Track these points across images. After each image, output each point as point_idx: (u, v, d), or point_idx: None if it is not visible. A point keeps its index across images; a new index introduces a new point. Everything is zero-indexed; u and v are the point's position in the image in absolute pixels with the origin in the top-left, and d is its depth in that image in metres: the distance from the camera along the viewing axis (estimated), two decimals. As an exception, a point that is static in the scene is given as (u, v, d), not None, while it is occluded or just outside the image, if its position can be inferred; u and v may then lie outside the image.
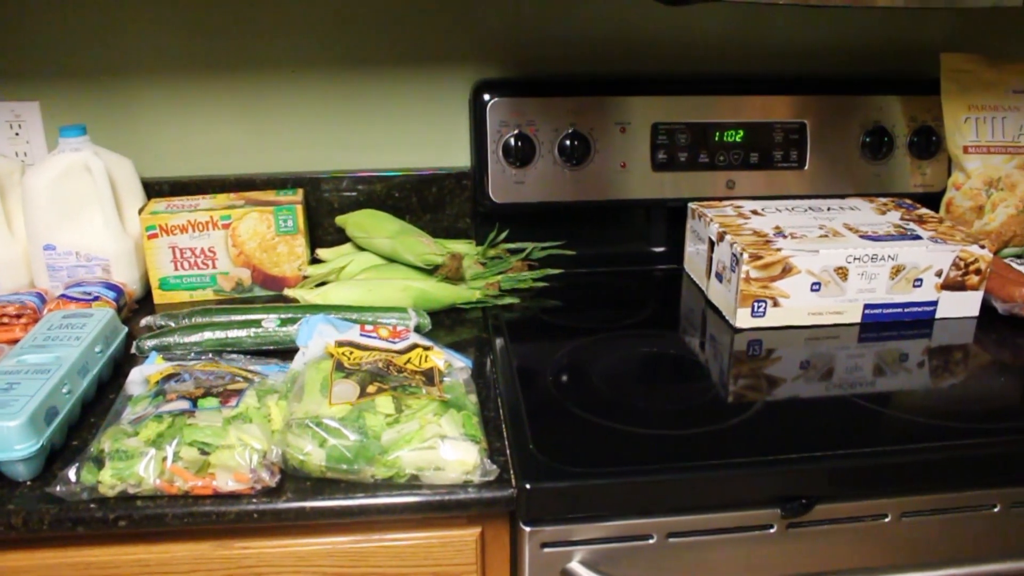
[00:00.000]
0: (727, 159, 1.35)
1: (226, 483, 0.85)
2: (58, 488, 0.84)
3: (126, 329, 1.12)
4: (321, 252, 1.34)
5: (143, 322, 1.16)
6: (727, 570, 0.92)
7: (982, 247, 1.18)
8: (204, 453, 0.86)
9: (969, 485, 0.95)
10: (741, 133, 1.34)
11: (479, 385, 1.03)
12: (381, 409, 0.89)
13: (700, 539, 0.91)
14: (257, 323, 1.12)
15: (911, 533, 0.95)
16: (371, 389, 0.91)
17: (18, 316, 1.13)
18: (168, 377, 0.97)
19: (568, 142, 1.30)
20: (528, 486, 0.85)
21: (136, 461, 0.85)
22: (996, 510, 0.96)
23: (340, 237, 1.36)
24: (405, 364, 0.99)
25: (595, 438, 0.94)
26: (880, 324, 1.20)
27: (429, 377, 0.97)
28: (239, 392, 0.93)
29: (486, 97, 1.29)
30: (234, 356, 1.09)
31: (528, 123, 1.29)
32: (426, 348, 1.03)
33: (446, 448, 0.87)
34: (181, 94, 1.34)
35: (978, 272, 1.19)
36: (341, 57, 1.34)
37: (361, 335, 1.03)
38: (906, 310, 1.20)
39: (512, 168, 1.30)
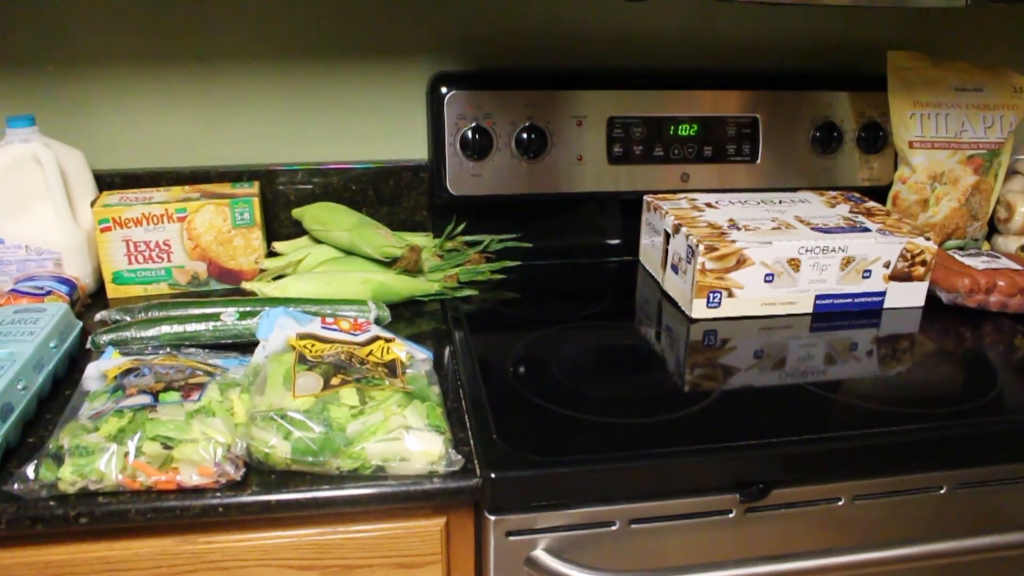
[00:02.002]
0: (681, 152, 1.37)
1: (190, 477, 0.85)
2: (16, 486, 0.83)
3: (80, 324, 1.10)
4: (278, 245, 1.33)
5: (98, 316, 1.15)
6: (688, 555, 0.94)
7: (927, 239, 1.22)
8: (167, 447, 0.85)
9: (917, 468, 0.98)
10: (695, 127, 1.37)
11: (440, 377, 1.03)
12: (345, 401, 0.90)
13: (661, 525, 0.93)
14: (216, 316, 1.11)
15: (863, 515, 0.98)
16: (335, 381, 0.91)
17: (-33, 311, 1.10)
18: (127, 372, 0.96)
19: (525, 135, 1.31)
20: (493, 475, 0.86)
21: (97, 457, 0.84)
22: (942, 492, 1.00)
23: (297, 230, 1.36)
24: (367, 356, 0.99)
25: (557, 427, 0.95)
26: (831, 314, 1.23)
27: (391, 369, 0.97)
28: (201, 386, 0.92)
29: (443, 90, 1.29)
30: (193, 350, 1.08)
31: (485, 116, 1.30)
32: (388, 340, 1.03)
33: (411, 439, 0.87)
34: (133, 85, 1.32)
35: (924, 263, 1.23)
36: (297, 49, 1.33)
37: (322, 328, 1.03)
38: (856, 300, 1.24)
39: (469, 161, 1.30)
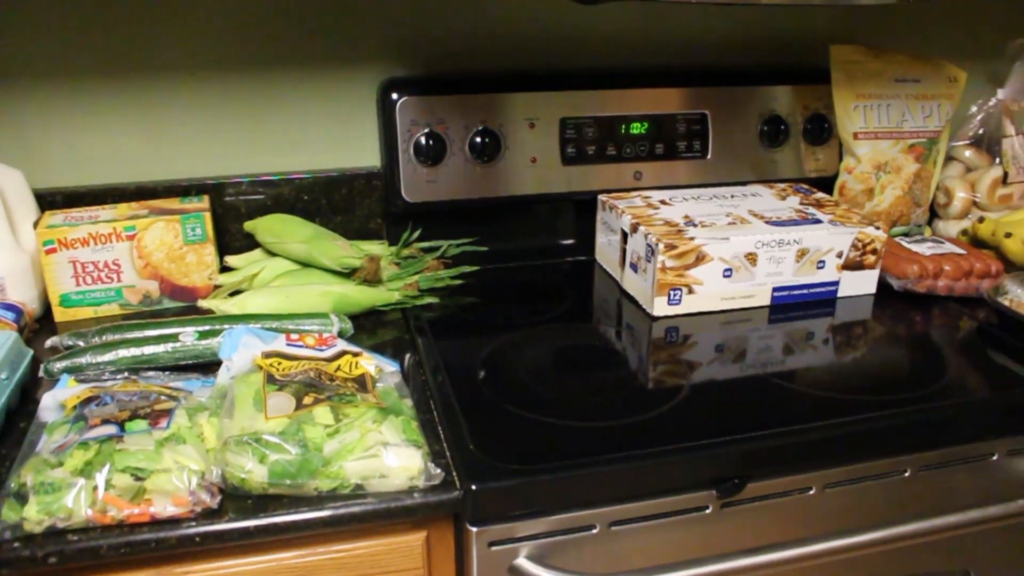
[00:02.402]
0: (633, 151, 1.38)
1: (164, 508, 0.82)
2: (-22, 528, 0.80)
3: (31, 352, 1.06)
4: (230, 259, 1.30)
5: (48, 343, 1.11)
6: (667, 553, 0.95)
7: (877, 228, 1.25)
8: (138, 479, 0.82)
9: (882, 454, 1.01)
10: (646, 125, 1.37)
11: (410, 388, 1.02)
12: (320, 420, 0.88)
13: (641, 525, 0.93)
14: (174, 337, 1.08)
15: (834, 503, 1.01)
16: (307, 400, 0.90)
17: (-91, 344, 1.05)
18: (87, 401, 0.93)
19: (479, 139, 1.30)
20: (474, 487, 0.86)
21: (64, 493, 0.81)
22: (907, 475, 1.02)
23: (249, 243, 1.33)
24: (335, 372, 0.98)
25: (532, 434, 0.95)
26: (788, 305, 1.25)
27: (362, 384, 0.96)
28: (168, 412, 0.90)
29: (394, 96, 1.27)
30: (152, 373, 1.05)
31: (438, 121, 1.29)
32: (355, 354, 1.02)
33: (389, 455, 0.87)
34: (72, 99, 1.27)
35: (874, 252, 1.26)
36: (243, 58, 1.30)
37: (288, 345, 1.01)
38: (811, 291, 1.26)
39: (424, 167, 1.29)
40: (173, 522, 0.82)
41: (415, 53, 1.35)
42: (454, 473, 0.89)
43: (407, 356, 1.11)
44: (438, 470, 0.87)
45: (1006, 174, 1.43)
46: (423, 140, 1.28)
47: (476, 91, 1.30)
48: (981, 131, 1.49)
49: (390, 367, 1.02)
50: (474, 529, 0.88)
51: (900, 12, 1.53)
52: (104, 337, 1.09)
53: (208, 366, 1.08)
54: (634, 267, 1.25)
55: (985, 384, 1.07)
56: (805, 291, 1.26)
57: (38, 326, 1.19)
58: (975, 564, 1.12)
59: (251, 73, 1.31)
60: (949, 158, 1.50)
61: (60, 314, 1.21)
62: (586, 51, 1.42)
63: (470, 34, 1.36)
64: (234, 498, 0.85)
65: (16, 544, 0.79)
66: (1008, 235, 1.32)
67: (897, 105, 1.41)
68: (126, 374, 1.05)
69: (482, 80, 1.32)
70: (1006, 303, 1.18)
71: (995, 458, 1.06)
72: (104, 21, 1.24)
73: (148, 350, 1.07)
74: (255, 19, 1.29)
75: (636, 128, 1.37)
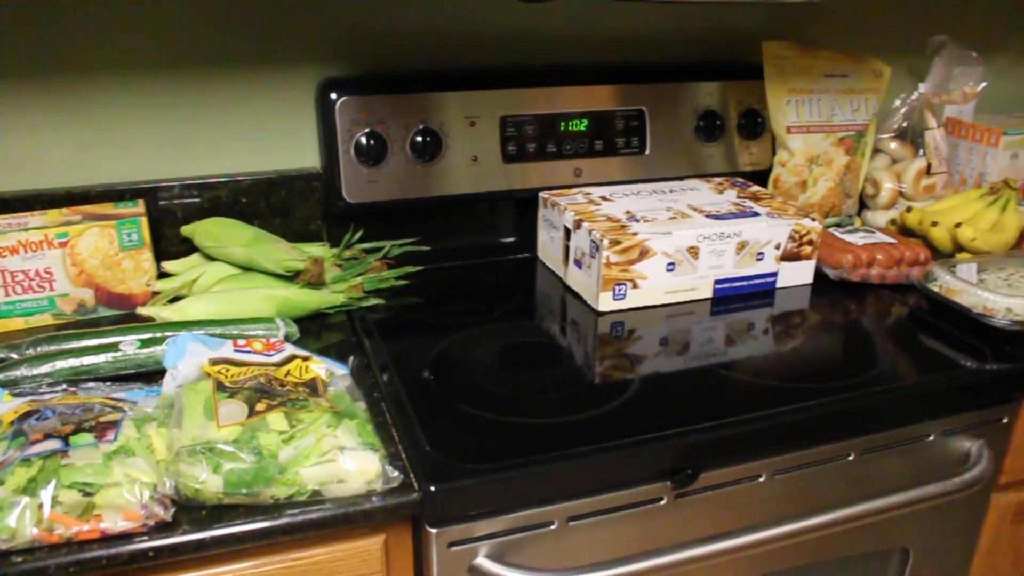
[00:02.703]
0: (573, 148, 1.38)
1: (115, 523, 0.80)
2: (-86, 554, 0.76)
3: (-38, 366, 1.02)
4: (168, 265, 1.27)
5: (-22, 356, 1.07)
6: (625, 545, 0.96)
7: (813, 219, 1.28)
8: (87, 494, 0.80)
9: (828, 439, 1.04)
10: (585, 122, 1.38)
11: (360, 391, 1.01)
12: (274, 427, 0.87)
13: (598, 519, 0.94)
14: (114, 347, 1.05)
15: (783, 489, 1.03)
16: (260, 407, 0.88)
17: None
18: (25, 415, 0.89)
19: (420, 138, 1.29)
20: (433, 488, 0.86)
21: (6, 513, 0.78)
22: (851, 458, 1.06)
23: (186, 248, 1.29)
24: (286, 377, 0.96)
25: (487, 433, 0.95)
26: (729, 297, 1.28)
27: (313, 388, 0.95)
28: (115, 424, 0.87)
29: (333, 96, 1.26)
30: (92, 384, 1.02)
31: (378, 121, 1.27)
32: (304, 358, 1.00)
33: (346, 459, 0.86)
34: (-6, 103, 1.23)
35: (811, 243, 1.29)
36: (176, 57, 1.26)
37: (235, 351, 0.99)
38: (751, 282, 1.29)
39: (365, 167, 1.28)
40: (124, 537, 0.80)
41: (353, 52, 1.33)
42: (411, 475, 0.88)
43: (353, 359, 1.10)
44: (396, 472, 0.86)
45: (929, 165, 1.48)
46: (364, 140, 1.27)
47: (416, 90, 1.29)
48: (905, 124, 1.54)
49: (340, 370, 1.01)
50: (433, 530, 0.88)
51: (828, 9, 1.57)
52: (39, 348, 1.05)
53: (151, 375, 1.05)
54: (578, 263, 1.26)
55: (920, 368, 1.10)
56: (745, 283, 1.28)
57: (-34, 339, 1.15)
58: (914, 541, 1.16)
59: (185, 73, 1.28)
60: (875, 150, 1.55)
61: (-11, 326, 1.17)
62: (525, 49, 1.42)
63: (408, 32, 1.35)
64: (187, 510, 0.83)
65: (-42, 568, 0.77)
66: (934, 224, 1.36)
67: (827, 99, 1.45)
68: (64, 386, 1.02)
69: (422, 79, 1.31)
70: (936, 289, 1.22)
71: (931, 439, 1.10)
72: (29, 20, 1.20)
73: (87, 360, 1.04)
74: (189, 18, 1.25)
75: (575, 125, 1.38)
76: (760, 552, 1.03)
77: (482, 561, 0.90)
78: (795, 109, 1.44)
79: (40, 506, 0.79)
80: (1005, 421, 1.15)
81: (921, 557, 1.18)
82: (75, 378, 1.03)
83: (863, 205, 1.55)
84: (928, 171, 1.48)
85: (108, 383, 1.02)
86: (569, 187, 1.39)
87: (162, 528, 0.81)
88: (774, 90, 1.43)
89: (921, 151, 1.51)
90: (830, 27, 1.59)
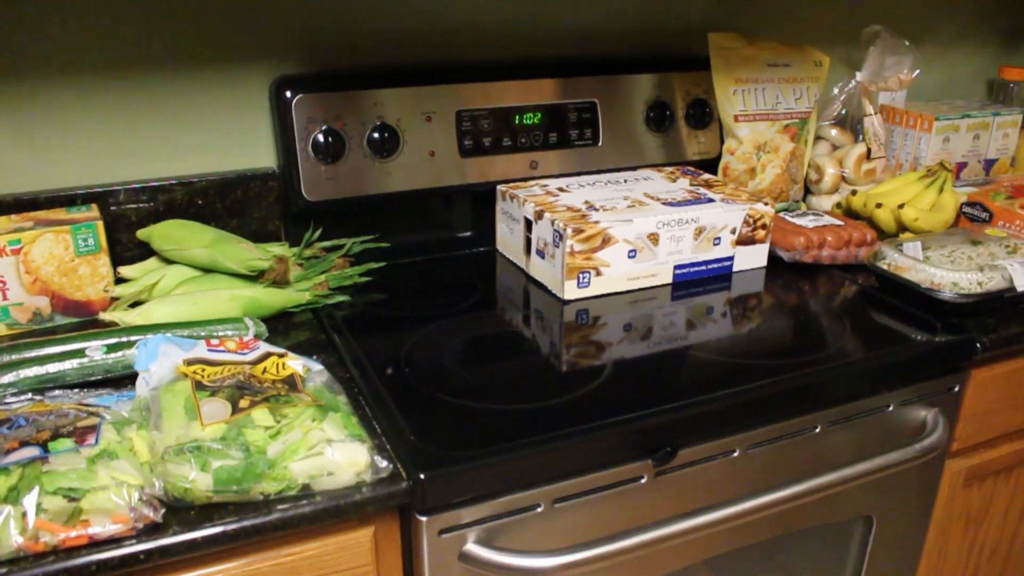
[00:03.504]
0: (528, 141, 1.40)
1: (104, 527, 0.78)
2: None
3: (-79, 379, 0.99)
4: (124, 270, 1.24)
5: (-64, 368, 1.03)
6: (608, 524, 0.98)
7: (766, 204, 1.32)
8: (72, 500, 0.78)
9: (796, 413, 1.07)
10: (539, 115, 1.40)
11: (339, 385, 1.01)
12: (260, 422, 0.86)
13: (583, 500, 0.96)
14: (80, 353, 1.02)
15: (756, 463, 1.06)
16: (243, 404, 0.87)
17: None
18: (-5, 425, 0.87)
19: (377, 135, 1.29)
20: (423, 476, 0.86)
21: (-13, 523, 0.76)
22: (817, 431, 1.09)
23: (142, 252, 1.27)
24: (263, 375, 0.95)
25: (468, 421, 0.96)
26: (688, 282, 1.31)
27: (292, 384, 0.94)
28: (94, 428, 0.85)
29: (288, 94, 1.25)
30: (58, 392, 0.99)
31: (335, 118, 1.27)
32: (280, 355, 0.99)
33: (334, 452, 0.85)
34: (-66, 109, 1.18)
35: (764, 227, 1.33)
36: (124, 57, 1.24)
37: (209, 351, 0.98)
38: (709, 267, 1.32)
39: (323, 165, 1.27)
40: (113, 541, 0.79)
41: (306, 49, 1.33)
42: (398, 464, 0.88)
43: (327, 355, 1.09)
44: (385, 463, 0.86)
45: (869, 150, 1.54)
46: (321, 138, 1.26)
47: (372, 86, 1.29)
48: (843, 111, 1.60)
49: (316, 366, 1.00)
50: (423, 519, 0.89)
51: (769, 1, 1.62)
52: (1, 358, 1.02)
53: (119, 380, 1.03)
54: (540, 253, 1.28)
55: (876, 342, 1.15)
56: (704, 267, 1.31)
57: (-82, 352, 1.11)
58: (877, 509, 1.21)
59: (137, 74, 1.25)
60: (817, 137, 1.60)
61: (-60, 338, 1.13)
62: (479, 44, 1.43)
63: (362, 29, 1.35)
64: (176, 510, 0.82)
65: (-61, 582, 0.74)
66: (879, 205, 1.42)
67: (771, 88, 1.50)
68: (29, 395, 0.99)
69: (377, 75, 1.31)
70: (885, 267, 1.27)
71: (891, 409, 1.14)
72: (-32, 23, 1.17)
73: (53, 368, 1.01)
74: (137, 16, 1.23)
75: (530, 118, 1.39)
76: (736, 525, 1.05)
77: (472, 547, 0.91)
78: (741, 98, 1.48)
79: (24, 514, 0.76)
80: (956, 389, 1.21)
81: (884, 524, 1.22)
82: (40, 387, 1.00)
83: (807, 190, 1.61)
84: (868, 156, 1.54)
85: (75, 390, 1.00)
86: (526, 180, 1.40)
87: (152, 530, 0.80)
88: (721, 80, 1.47)
89: (860, 137, 1.57)
90: (771, 19, 1.64)
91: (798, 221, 1.39)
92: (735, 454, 1.04)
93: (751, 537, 1.11)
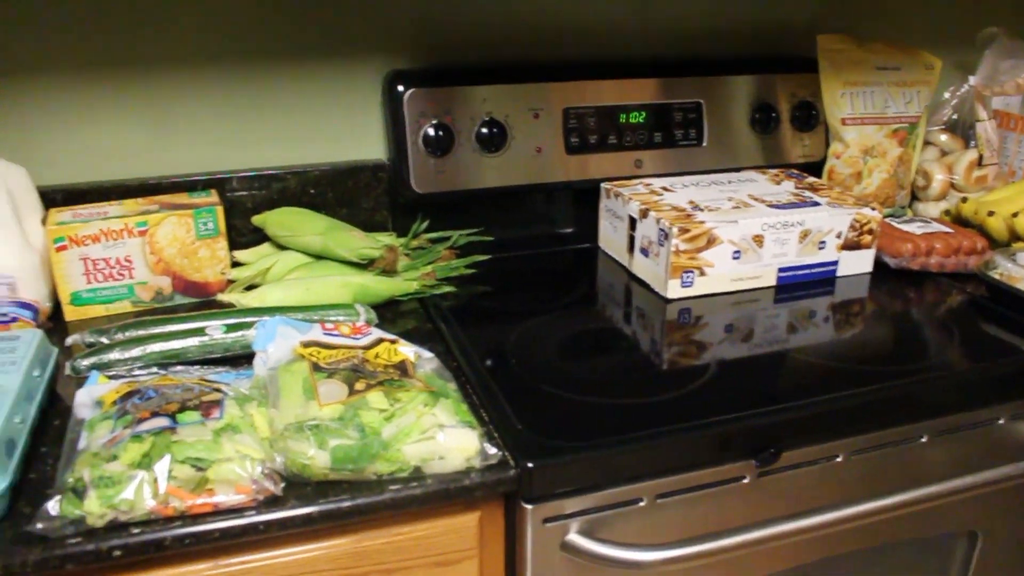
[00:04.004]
0: (633, 140, 1.41)
1: (227, 497, 0.82)
2: (39, 526, 0.78)
3: (56, 350, 1.04)
4: (240, 254, 1.29)
5: (69, 340, 1.09)
6: (708, 522, 0.98)
7: (873, 209, 1.30)
8: (199, 469, 0.82)
9: (903, 420, 1.06)
10: (644, 114, 1.41)
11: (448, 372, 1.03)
12: (375, 405, 0.89)
13: (685, 497, 0.96)
14: (201, 331, 1.07)
15: (858, 470, 1.05)
16: (359, 386, 0.90)
17: (-75, 346, 1.03)
18: (127, 396, 0.91)
19: (485, 130, 1.32)
20: (531, 465, 0.88)
21: (123, 486, 0.80)
22: (924, 440, 1.07)
23: (255, 237, 1.32)
24: (375, 359, 0.98)
25: (574, 413, 0.97)
26: (792, 285, 1.30)
27: (403, 370, 0.97)
28: (218, 403, 0.89)
29: (400, 88, 1.28)
30: (180, 368, 1.04)
31: (445, 112, 1.30)
32: (392, 341, 1.02)
33: (445, 437, 0.87)
34: (72, 95, 1.24)
35: (870, 232, 1.31)
36: (246, 49, 1.29)
37: (324, 334, 1.01)
38: (813, 271, 1.31)
39: (432, 158, 1.30)
40: (235, 511, 0.82)
41: (419, 45, 1.36)
42: (506, 452, 0.90)
43: (434, 343, 1.12)
44: (494, 450, 0.88)
45: (981, 156, 1.51)
46: (431, 132, 1.29)
47: (481, 82, 1.32)
48: (955, 116, 1.57)
49: (426, 353, 1.03)
50: (529, 507, 0.90)
51: (879, 3, 1.59)
52: (128, 333, 1.07)
53: (237, 359, 1.08)
54: (644, 252, 1.28)
55: (985, 353, 1.12)
56: (807, 271, 1.30)
57: (51, 324, 1.17)
58: (983, 524, 1.18)
59: (254, 66, 1.30)
60: (926, 142, 1.57)
61: (71, 312, 1.19)
62: (587, 42, 1.45)
63: (473, 25, 1.38)
64: (293, 485, 0.85)
65: (79, 539, 0.78)
66: (991, 213, 1.38)
67: (880, 92, 1.47)
68: (154, 369, 1.04)
69: (487, 71, 1.33)
70: (997, 276, 1.24)
71: (1001, 422, 1.12)
72: (105, 15, 1.22)
73: (176, 344, 1.06)
74: (259, 11, 1.28)
75: (635, 117, 1.40)
76: (836, 531, 1.04)
77: (574, 537, 0.93)
78: (849, 101, 1.46)
79: (156, 480, 0.81)
80: (1070, 405, 1.17)
81: (989, 541, 1.20)
82: (164, 362, 1.05)
83: (914, 196, 1.57)
84: (980, 162, 1.50)
85: (195, 367, 1.05)
86: (629, 178, 1.41)
87: (271, 503, 0.83)
88: (829, 83, 1.46)
89: (972, 143, 1.53)
90: (881, 20, 1.61)
91: (905, 227, 1.37)
92: (838, 459, 1.03)
93: (850, 545, 1.10)
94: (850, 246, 1.31)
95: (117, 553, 0.79)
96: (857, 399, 1.01)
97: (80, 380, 1.00)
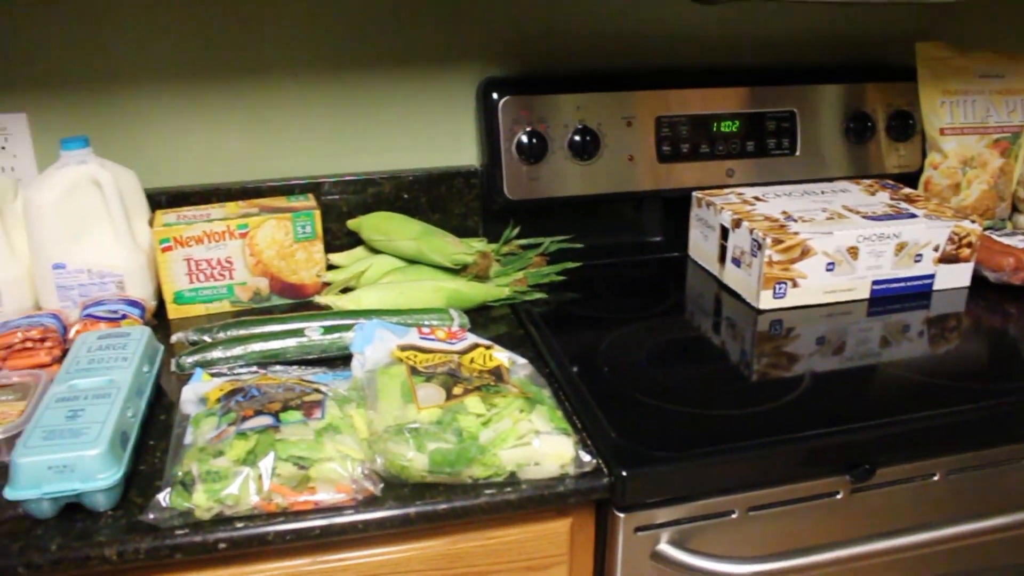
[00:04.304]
0: (726, 148, 1.40)
1: (328, 495, 0.84)
2: (151, 516, 0.81)
3: (162, 347, 1.08)
4: (334, 257, 1.32)
5: (174, 338, 1.13)
6: (800, 537, 0.97)
7: (973, 222, 1.27)
8: (302, 467, 0.84)
9: (1002, 441, 1.03)
10: (737, 123, 1.40)
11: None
12: (472, 410, 0.90)
13: (777, 510, 0.95)
14: (300, 332, 1.10)
15: (955, 490, 1.03)
16: (457, 391, 0.92)
17: (42, 340, 1.07)
18: (231, 393, 0.94)
19: (578, 137, 1.33)
20: (624, 473, 0.88)
21: (229, 481, 0.83)
22: (1025, 462, 1.05)
23: (349, 241, 1.35)
24: (471, 364, 1.00)
25: (667, 422, 0.97)
26: (886, 298, 1.27)
27: (498, 376, 0.98)
28: (318, 403, 0.92)
29: (495, 96, 1.30)
30: (279, 368, 1.07)
31: (539, 120, 1.31)
32: (487, 347, 1.03)
33: (541, 443, 0.88)
34: (178, 100, 1.29)
35: (969, 245, 1.28)
36: (344, 58, 1.32)
37: (421, 338, 1.03)
38: (908, 284, 1.28)
39: (525, 165, 1.32)
40: (335, 509, 0.84)
41: (513, 53, 1.37)
42: (600, 460, 0.91)
43: (525, 349, 1.13)
44: (588, 457, 0.89)
45: (1088, 169, 1.46)
46: (525, 139, 1.31)
47: (574, 90, 1.33)
48: (1060, 127, 1.52)
49: (520, 359, 1.04)
50: (621, 515, 0.90)
51: (981, 8, 1.55)
52: (230, 332, 1.11)
53: (333, 360, 1.10)
54: (736, 262, 1.27)
55: (1097, 373, 1.09)
56: (902, 284, 1.28)
57: (155, 322, 1.21)
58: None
59: (351, 73, 1.33)
60: (1029, 153, 1.53)
61: (173, 311, 1.23)
62: (679, 50, 1.44)
63: (567, 34, 1.39)
64: (391, 486, 0.87)
65: (187, 530, 0.81)
66: (1098, 228, 1.34)
67: (982, 101, 1.44)
68: (254, 368, 1.07)
69: (580, 79, 1.34)
70: (1104, 294, 1.20)
71: (1112, 446, 1.08)
72: (210, 24, 1.27)
73: (275, 344, 1.09)
74: (356, 20, 1.31)
75: (727, 126, 1.39)
76: (931, 552, 1.02)
77: (665, 547, 0.92)
78: (949, 111, 1.43)
79: (260, 476, 0.83)
80: None
81: (1093, 567, 1.16)
82: (264, 361, 1.08)
83: (1015, 209, 1.53)
84: (1085, 175, 1.46)
85: (293, 367, 1.08)
86: (721, 187, 1.40)
87: (370, 502, 0.85)
88: (927, 92, 1.43)
89: (1078, 155, 1.48)
90: (980, 28, 1.57)
91: (1006, 240, 1.33)
92: (935, 478, 1.01)
93: (945, 567, 1.07)
94: (947, 259, 1.28)
95: (222, 546, 0.82)
96: (955, 417, 0.99)
97: (184, 377, 1.04)
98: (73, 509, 0.83)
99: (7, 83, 1.24)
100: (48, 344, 1.08)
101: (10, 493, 0.81)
